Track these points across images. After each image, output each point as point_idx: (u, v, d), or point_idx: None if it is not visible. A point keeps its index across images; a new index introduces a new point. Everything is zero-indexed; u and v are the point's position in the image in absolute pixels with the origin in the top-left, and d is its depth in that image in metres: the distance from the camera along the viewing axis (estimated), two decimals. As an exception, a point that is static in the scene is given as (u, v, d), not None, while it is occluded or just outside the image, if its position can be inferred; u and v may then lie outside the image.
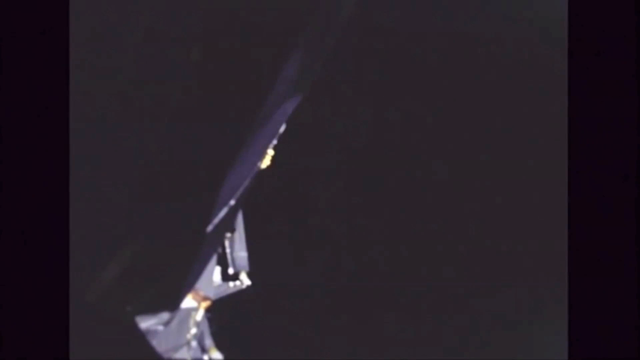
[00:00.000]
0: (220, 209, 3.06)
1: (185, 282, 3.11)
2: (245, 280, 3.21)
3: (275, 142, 3.12)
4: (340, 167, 3.33)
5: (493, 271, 3.26)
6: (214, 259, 3.18)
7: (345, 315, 3.25)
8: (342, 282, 3.27)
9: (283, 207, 3.30)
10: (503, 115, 3.31)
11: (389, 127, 3.33)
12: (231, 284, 3.20)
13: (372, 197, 3.33)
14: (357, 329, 3.25)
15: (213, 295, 3.16)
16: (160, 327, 3.06)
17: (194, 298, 3.12)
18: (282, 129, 3.10)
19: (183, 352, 3.08)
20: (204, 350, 3.13)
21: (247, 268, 3.22)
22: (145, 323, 3.04)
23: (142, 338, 3.03)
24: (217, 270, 3.19)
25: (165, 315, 3.06)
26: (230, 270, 3.20)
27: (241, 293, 3.20)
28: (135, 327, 3.02)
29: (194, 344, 3.11)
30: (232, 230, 3.20)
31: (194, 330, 3.10)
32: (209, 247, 3.15)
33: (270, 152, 3.13)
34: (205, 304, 3.14)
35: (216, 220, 3.06)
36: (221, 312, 3.16)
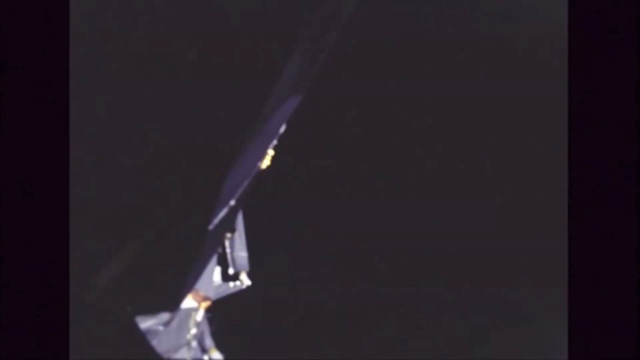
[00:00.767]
0: (220, 209, 3.06)
1: (186, 282, 3.11)
2: (245, 280, 3.21)
3: (275, 142, 3.12)
4: (340, 167, 3.33)
5: (493, 271, 3.26)
6: (214, 259, 3.18)
7: (346, 315, 3.25)
8: (342, 282, 3.27)
9: (283, 207, 3.30)
10: (503, 115, 3.31)
11: (389, 127, 3.33)
12: (231, 284, 3.20)
13: (372, 197, 3.33)
14: (358, 329, 3.24)
15: (213, 295, 3.16)
16: (161, 327, 3.06)
17: (194, 298, 3.12)
18: (282, 129, 3.10)
19: (183, 352, 3.08)
20: (204, 350, 3.13)
21: (247, 268, 3.22)
22: (145, 323, 3.04)
23: (142, 338, 3.03)
24: (217, 270, 3.19)
25: (165, 316, 3.06)
26: (231, 271, 3.20)
27: (241, 293, 3.20)
28: (135, 327, 3.02)
29: (194, 344, 3.11)
30: (233, 231, 3.20)
31: (194, 331, 3.10)
32: (209, 247, 3.15)
33: (270, 152, 3.13)
34: (205, 304, 3.14)
35: (216, 220, 3.06)
36: (221, 312, 3.16)
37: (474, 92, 3.30)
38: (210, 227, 3.07)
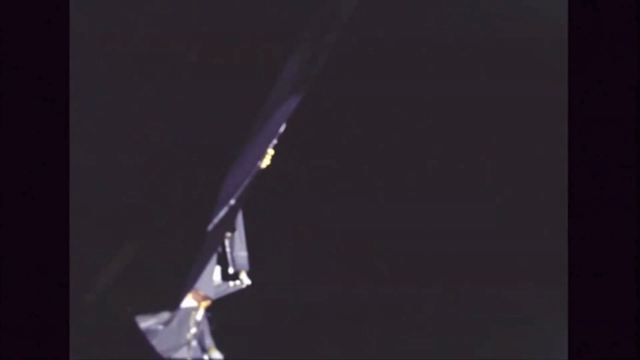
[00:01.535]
0: (220, 209, 3.06)
1: (186, 282, 3.11)
2: (245, 280, 3.21)
3: (275, 142, 3.12)
4: (340, 167, 3.33)
5: (493, 271, 3.26)
6: (214, 258, 3.18)
7: (346, 315, 3.25)
8: (342, 282, 3.28)
9: (283, 207, 3.30)
10: (503, 115, 3.31)
11: (389, 127, 3.33)
12: (231, 283, 3.20)
13: (372, 196, 3.33)
14: (357, 329, 3.25)
15: (213, 294, 3.16)
16: (160, 327, 3.06)
17: (194, 297, 3.12)
18: (282, 129, 3.10)
19: (183, 352, 3.09)
20: (204, 349, 3.13)
21: (247, 267, 3.22)
22: (146, 323, 3.04)
23: (142, 338, 3.03)
24: (217, 269, 3.19)
25: (165, 315, 3.06)
26: (231, 270, 3.21)
27: (241, 293, 3.20)
28: (135, 326, 3.02)
29: (194, 343, 3.11)
30: (233, 230, 3.20)
31: (194, 330, 3.10)
32: (209, 246, 3.15)
33: (270, 152, 3.13)
34: (205, 304, 3.14)
35: (216, 219, 3.06)
36: (221, 311, 3.16)
37: (474, 92, 3.30)
38: (210, 226, 3.07)
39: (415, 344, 3.23)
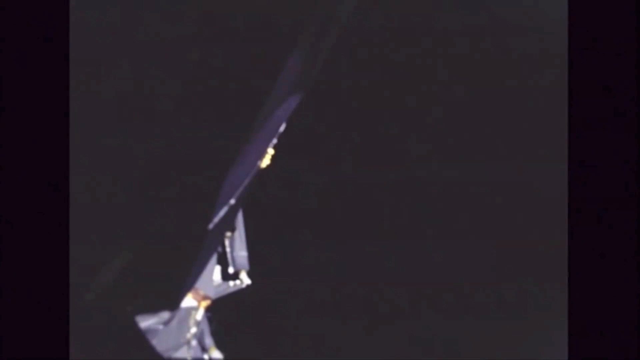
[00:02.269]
0: (220, 208, 3.07)
1: (186, 281, 3.11)
2: (245, 280, 3.21)
3: (275, 141, 3.12)
4: (341, 167, 3.33)
5: (493, 271, 3.26)
6: (214, 258, 3.18)
7: (346, 314, 3.25)
8: (342, 282, 3.28)
9: (283, 206, 3.30)
10: (503, 115, 3.31)
11: (388, 127, 3.33)
12: (231, 283, 3.20)
13: (372, 196, 3.33)
14: (357, 329, 3.25)
15: (213, 294, 3.16)
16: (161, 327, 3.06)
17: (194, 297, 3.13)
18: (282, 128, 3.10)
19: (183, 352, 3.09)
20: (204, 349, 3.14)
21: (247, 267, 3.22)
22: (145, 322, 3.04)
23: (142, 337, 3.03)
24: (217, 269, 3.19)
25: (165, 315, 3.06)
26: (231, 270, 3.21)
27: (241, 292, 3.20)
28: (135, 326, 3.02)
29: (194, 343, 3.11)
30: (233, 230, 3.20)
31: (194, 330, 3.11)
32: (209, 246, 3.15)
33: (270, 152, 3.13)
34: (205, 303, 3.14)
35: (216, 219, 3.06)
36: (221, 311, 3.16)
37: (474, 92, 3.30)
38: (210, 226, 3.07)
39: (415, 344, 3.23)
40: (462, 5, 3.29)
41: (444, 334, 3.24)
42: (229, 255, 3.21)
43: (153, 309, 3.05)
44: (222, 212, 3.07)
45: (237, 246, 3.21)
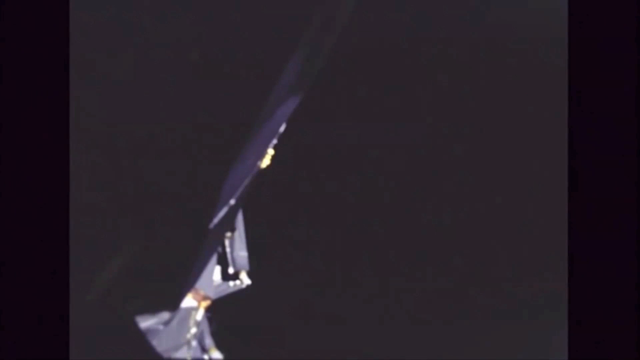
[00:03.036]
0: (220, 209, 3.06)
1: (186, 282, 3.11)
2: (245, 280, 3.21)
3: (275, 141, 3.12)
4: (341, 167, 3.33)
5: (493, 271, 3.26)
6: (214, 258, 3.17)
7: (346, 315, 3.25)
8: (342, 282, 3.28)
9: (283, 207, 3.30)
10: (503, 115, 3.31)
11: (388, 127, 3.33)
12: (231, 283, 3.20)
13: (372, 196, 3.33)
14: (357, 329, 3.25)
15: (213, 294, 3.16)
16: (161, 327, 3.06)
17: (194, 297, 3.12)
18: (282, 128, 3.10)
19: (183, 352, 3.08)
20: (204, 349, 3.13)
21: (247, 267, 3.22)
22: (146, 322, 3.04)
23: (142, 338, 3.03)
24: (217, 269, 3.19)
25: (165, 315, 3.06)
26: (231, 270, 3.20)
27: (241, 293, 3.20)
28: (135, 326, 3.02)
29: (194, 343, 3.11)
30: (233, 230, 3.20)
31: (194, 330, 3.10)
32: (209, 246, 3.15)
33: (270, 152, 3.13)
34: (205, 304, 3.14)
35: (216, 219, 3.06)
36: (221, 311, 3.16)
37: (474, 92, 3.30)
38: (211, 226, 3.07)
39: (415, 344, 3.23)
40: (462, 5, 3.29)
41: (444, 334, 3.24)
42: (229, 256, 3.20)
43: (153, 309, 3.05)
44: (222, 212, 3.07)
45: (237, 246, 3.21)
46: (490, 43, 3.30)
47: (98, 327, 3.00)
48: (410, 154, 3.33)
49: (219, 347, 3.15)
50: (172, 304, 3.08)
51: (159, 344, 3.05)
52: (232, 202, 3.06)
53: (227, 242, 3.20)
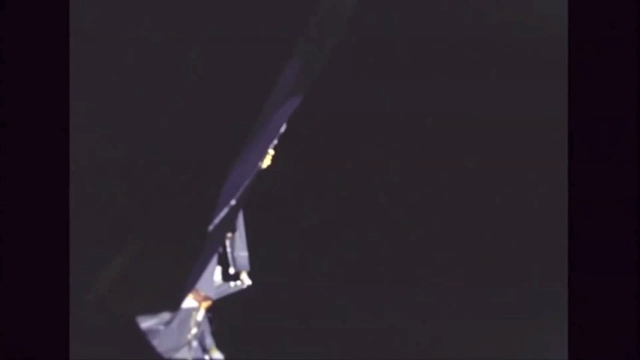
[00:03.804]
0: (221, 209, 3.07)
1: (186, 282, 3.11)
2: (245, 280, 3.21)
3: (275, 142, 3.12)
4: (341, 167, 3.33)
5: (493, 271, 3.26)
6: (215, 258, 3.18)
7: (346, 315, 3.25)
8: (342, 282, 3.28)
9: (283, 207, 3.30)
10: (503, 115, 3.31)
11: (389, 127, 3.33)
12: (232, 283, 3.20)
13: (372, 197, 3.33)
14: (357, 329, 3.25)
15: (214, 295, 3.16)
16: (161, 327, 3.06)
17: (195, 298, 3.12)
18: (282, 129, 3.11)
19: (184, 352, 3.09)
20: (204, 350, 3.13)
21: (247, 268, 3.22)
22: (146, 323, 3.04)
23: (142, 338, 3.03)
24: (218, 270, 3.19)
25: (166, 315, 3.06)
26: (231, 270, 3.21)
27: (242, 293, 3.20)
28: (135, 327, 3.02)
29: (194, 343, 3.11)
30: (233, 230, 3.20)
31: (194, 330, 3.11)
32: (209, 247, 3.15)
33: (271, 152, 3.13)
34: (206, 304, 3.14)
35: (217, 220, 3.07)
36: (222, 312, 3.16)
37: (474, 91, 3.30)
38: (211, 226, 3.07)
39: (415, 344, 3.23)
40: (462, 5, 3.29)
41: (444, 334, 3.24)
42: (229, 256, 3.20)
43: (154, 310, 3.05)
44: (223, 213, 3.07)
45: (238, 247, 3.21)
46: (491, 42, 3.30)
47: (98, 327, 3.00)
48: (410, 154, 3.33)
49: (220, 347, 3.15)
50: (173, 305, 3.08)
51: (160, 345, 3.05)
52: (233, 202, 3.07)
53: (227, 243, 3.20)
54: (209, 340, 3.15)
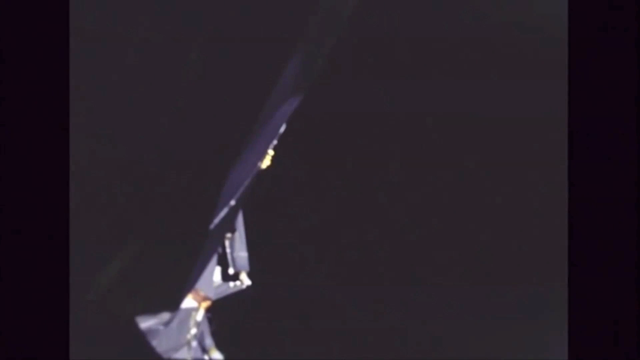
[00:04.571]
0: (220, 209, 3.07)
1: (186, 282, 3.11)
2: (245, 280, 3.21)
3: (275, 142, 3.12)
4: (341, 167, 3.33)
5: (493, 271, 3.26)
6: (215, 259, 3.18)
7: (346, 315, 3.25)
8: (342, 282, 3.28)
9: (283, 207, 3.30)
10: (503, 115, 3.31)
11: (389, 127, 3.33)
12: (231, 284, 3.20)
13: (372, 197, 3.33)
14: (357, 329, 3.25)
15: (213, 295, 3.16)
16: (161, 327, 3.06)
17: (194, 298, 3.12)
18: (282, 129, 3.11)
19: (183, 352, 3.09)
20: (204, 350, 3.13)
21: (247, 268, 3.22)
22: (146, 323, 3.04)
23: (142, 338, 3.03)
24: (218, 270, 3.19)
25: (165, 316, 3.06)
26: (231, 271, 3.21)
27: (241, 293, 3.20)
28: (135, 327, 3.02)
29: (194, 344, 3.11)
30: (233, 231, 3.20)
31: (194, 330, 3.10)
32: (209, 247, 3.15)
33: (271, 152, 3.13)
34: (205, 304, 3.14)
35: (217, 220, 3.06)
36: (221, 312, 3.16)
37: (474, 92, 3.30)
38: (211, 227, 3.07)
39: (415, 344, 3.23)
40: (462, 5, 3.30)
41: (444, 334, 3.24)
42: (229, 256, 3.21)
43: (153, 310, 3.05)
44: (223, 213, 3.07)
45: (238, 247, 3.21)
46: (491, 42, 3.30)
47: (98, 328, 3.00)
48: (410, 154, 3.33)
49: (219, 347, 3.15)
50: (173, 305, 3.08)
51: (159, 345, 3.05)
52: (233, 202, 3.07)
53: (227, 243, 3.20)
54: (209, 341, 3.15)
